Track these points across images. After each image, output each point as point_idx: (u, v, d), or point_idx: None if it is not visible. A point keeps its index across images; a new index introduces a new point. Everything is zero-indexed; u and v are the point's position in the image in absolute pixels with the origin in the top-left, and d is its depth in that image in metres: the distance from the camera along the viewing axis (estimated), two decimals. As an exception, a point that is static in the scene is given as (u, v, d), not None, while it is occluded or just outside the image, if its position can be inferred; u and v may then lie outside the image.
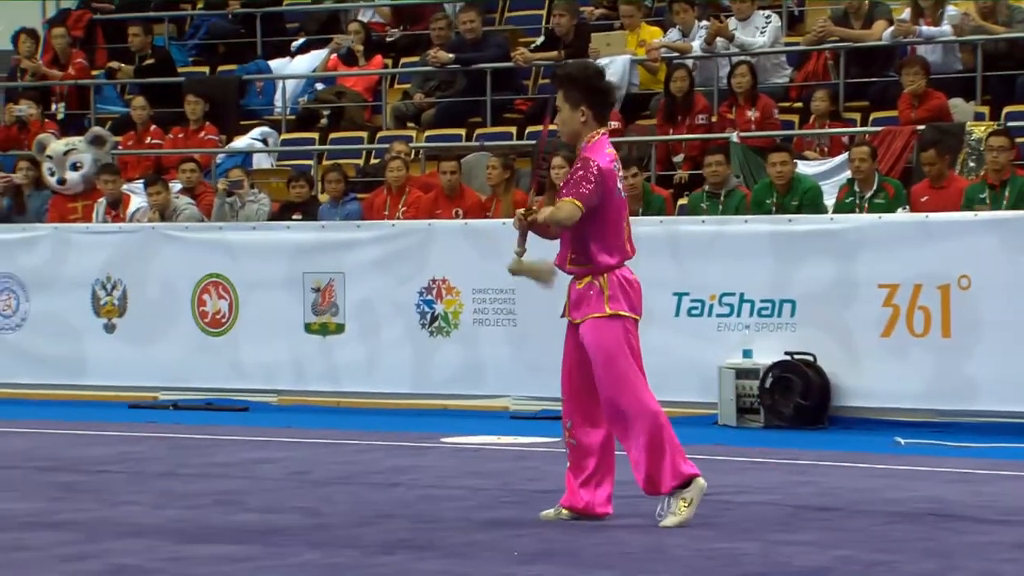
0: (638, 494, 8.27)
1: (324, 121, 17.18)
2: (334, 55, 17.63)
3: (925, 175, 12.42)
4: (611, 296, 7.20)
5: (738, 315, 12.13)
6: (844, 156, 13.33)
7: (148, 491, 8.58)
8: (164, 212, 14.57)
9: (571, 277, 7.36)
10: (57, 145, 15.66)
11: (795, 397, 11.70)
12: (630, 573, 6.13)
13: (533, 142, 14.99)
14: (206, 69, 18.85)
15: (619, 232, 7.27)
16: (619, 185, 7.27)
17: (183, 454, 10.36)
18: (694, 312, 12.25)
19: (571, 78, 7.25)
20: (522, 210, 7.38)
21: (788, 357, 11.87)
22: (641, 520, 7.41)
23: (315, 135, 17.09)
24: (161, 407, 13.58)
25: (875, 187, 12.60)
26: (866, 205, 12.48)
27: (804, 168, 13.47)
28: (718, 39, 15.24)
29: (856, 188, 12.64)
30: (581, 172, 7.14)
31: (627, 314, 7.25)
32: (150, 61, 18.04)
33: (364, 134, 16.94)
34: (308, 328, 13.57)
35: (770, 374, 11.81)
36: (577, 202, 7.11)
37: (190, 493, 8.47)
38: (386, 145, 15.42)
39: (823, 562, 6.33)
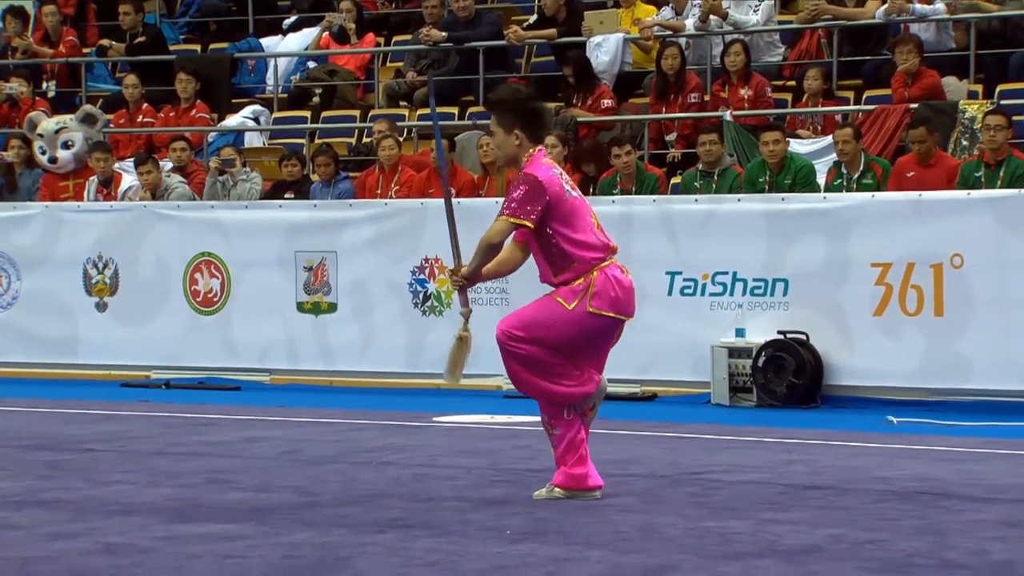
0: (630, 473, 8.29)
1: (316, 99, 17.15)
2: (326, 33, 17.60)
3: (913, 152, 12.41)
4: (595, 294, 7.21)
5: (731, 294, 12.14)
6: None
7: (139, 470, 8.58)
8: (155, 191, 14.55)
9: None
10: (48, 123, 15.63)
11: (788, 376, 11.72)
12: (622, 552, 6.15)
13: (526, 121, 14.95)
14: (198, 47, 18.82)
15: (587, 227, 7.29)
16: (568, 187, 7.33)
17: (175, 433, 10.36)
18: (687, 291, 12.26)
19: (503, 103, 7.41)
20: (448, 269, 7.55)
21: (781, 336, 11.88)
22: (633, 500, 7.43)
23: (307, 113, 17.06)
24: (153, 386, 13.58)
25: (862, 168, 12.59)
26: (854, 187, 12.47)
27: (797, 147, 13.47)
28: (711, 17, 15.22)
29: (843, 170, 12.63)
30: (513, 190, 7.26)
31: (609, 314, 7.23)
32: (141, 39, 17.99)
33: (356, 113, 16.92)
34: (300, 307, 13.57)
35: (763, 353, 11.82)
36: (509, 218, 7.21)
37: (182, 472, 8.48)
38: (380, 124, 15.40)
39: (814, 540, 6.35)
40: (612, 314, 7.26)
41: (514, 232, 7.31)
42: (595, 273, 7.25)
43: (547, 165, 7.32)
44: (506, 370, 7.36)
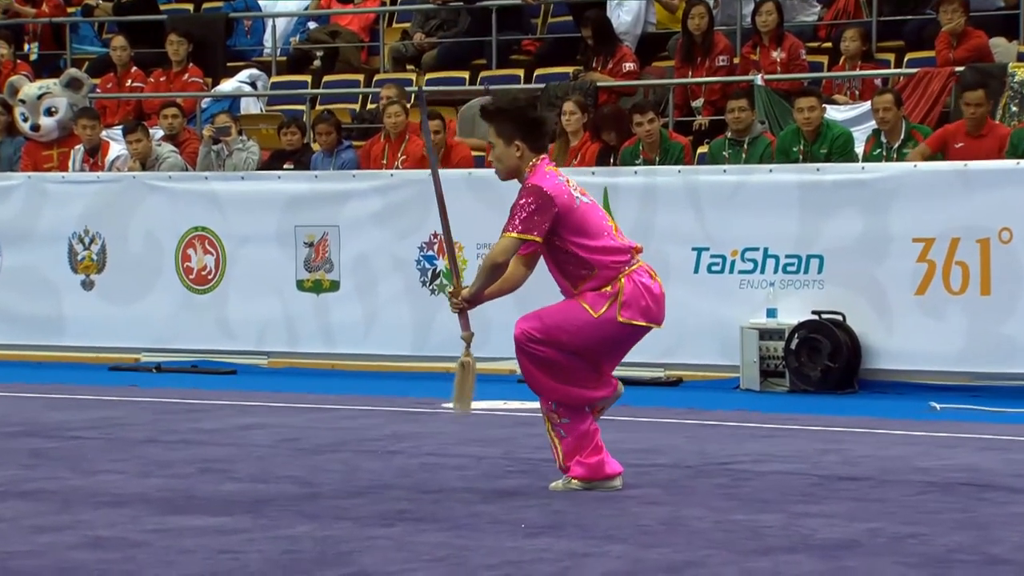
0: (653, 463, 8.32)
1: (317, 63, 17.17)
2: (328, -9, 17.62)
3: (966, 117, 12.34)
4: (625, 303, 7.27)
5: (762, 272, 12.14)
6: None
7: (129, 459, 8.62)
8: (145, 161, 14.58)
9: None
10: (30, 88, 15.66)
11: (823, 359, 11.73)
12: (644, 547, 6.17)
13: (542, 86, 14.98)
14: (190, 7, 18.84)
15: (603, 232, 7.34)
16: (576, 194, 7.38)
17: (167, 420, 10.40)
18: (715, 268, 12.27)
19: (502, 113, 7.45)
20: (448, 291, 7.62)
21: (815, 317, 11.89)
22: (656, 491, 7.46)
23: (307, 78, 17.09)
24: (143, 370, 13.63)
25: (903, 136, 12.57)
26: (895, 156, 12.46)
27: (834, 113, 13.46)
28: (742, -26, 15.22)
29: (883, 139, 12.62)
30: (517, 203, 7.30)
31: (640, 323, 7.31)
32: (130, -3, 18.04)
33: (360, 77, 16.94)
34: (300, 286, 13.60)
35: (796, 335, 11.83)
36: (514, 234, 7.25)
37: (174, 461, 8.52)
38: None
39: (850, 535, 6.37)
40: (643, 323, 7.35)
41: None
42: (623, 280, 7.30)
43: (551, 174, 7.36)
44: (519, 367, 7.41)
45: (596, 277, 7.33)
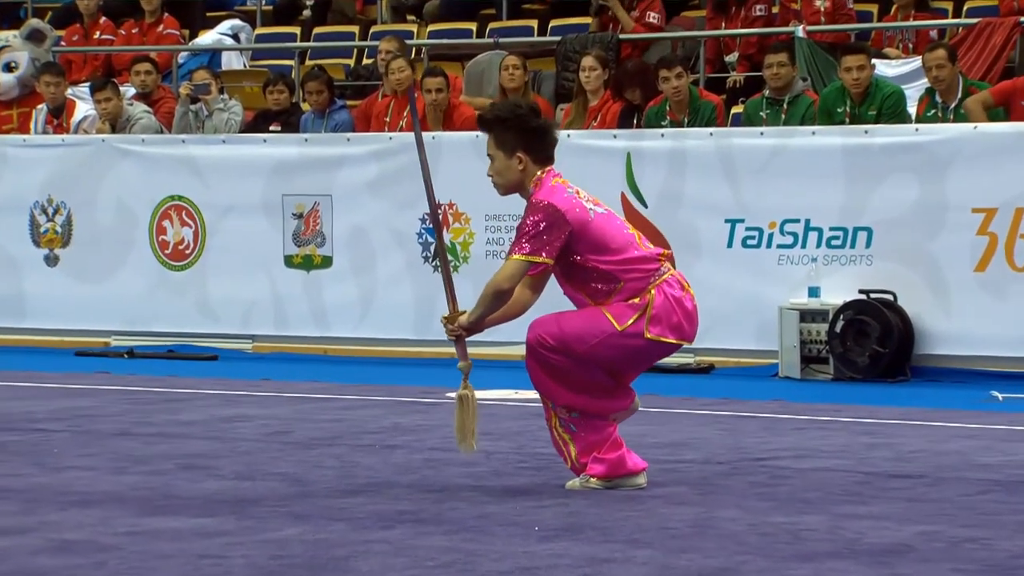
0: (682, 459, 8.33)
1: (307, 13, 17.16)
2: (319, -67, 17.61)
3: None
4: (655, 317, 7.27)
5: (803, 246, 12.15)
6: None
7: (100, 453, 8.65)
8: (115, 122, 14.60)
9: None
10: (-12, 42, 15.68)
11: (871, 344, 11.74)
12: (672, 552, 6.19)
13: (558, 38, 14.97)
14: (165, -50, 18.81)
15: (627, 243, 7.32)
16: (590, 206, 7.36)
17: (141, 411, 10.43)
18: (750, 243, 12.27)
19: (501, 122, 7.43)
20: (443, 316, 7.63)
21: (863, 296, 11.89)
22: (685, 490, 7.47)
23: (296, 30, 17.08)
24: (114, 355, 13.66)
25: (960, 95, 12.54)
26: (951, 118, 12.43)
27: (884, 69, 13.43)
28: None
29: (937, 98, 12.59)
30: (524, 222, 7.29)
31: (670, 340, 7.33)
32: (98, -61, 18.02)
33: (355, 29, 16.94)
34: (289, 262, 13.62)
35: (841, 316, 11.84)
36: (522, 257, 7.24)
37: (150, 456, 8.54)
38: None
39: (902, 539, 6.38)
40: (673, 340, 7.36)
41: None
42: (652, 291, 7.30)
43: (560, 187, 7.35)
44: (527, 368, 7.41)
45: (623, 291, 7.31)
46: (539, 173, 7.40)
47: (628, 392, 7.53)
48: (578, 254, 7.30)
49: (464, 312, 7.57)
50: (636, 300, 7.31)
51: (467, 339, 7.62)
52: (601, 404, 7.42)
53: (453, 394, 7.72)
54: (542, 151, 7.43)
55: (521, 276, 7.35)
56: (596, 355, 7.30)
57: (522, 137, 7.38)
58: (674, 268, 7.49)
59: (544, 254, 7.25)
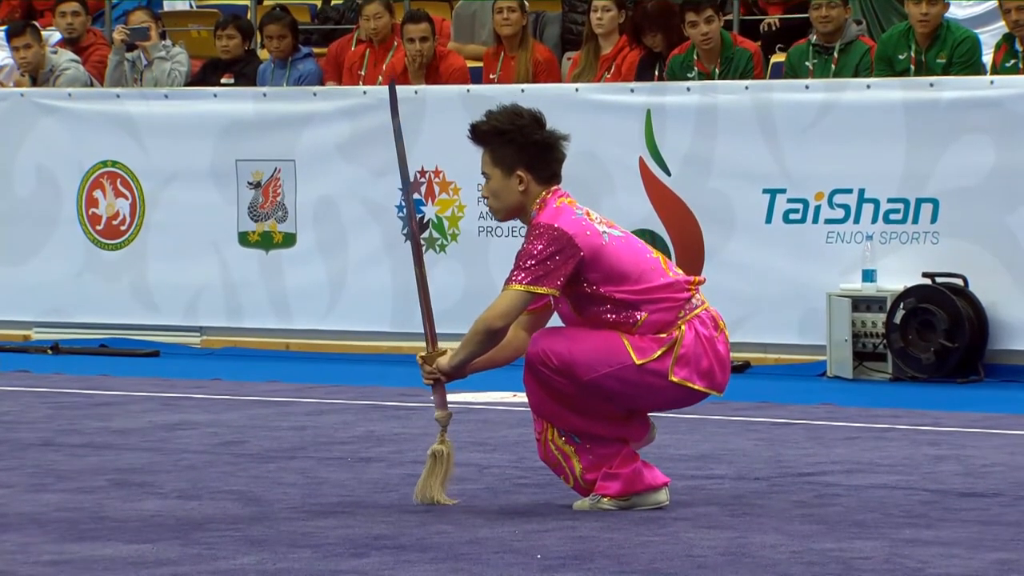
0: (711, 475, 8.34)
1: (265, -57, 17.14)
2: None
3: None
4: (682, 357, 7.26)
5: (856, 221, 12.16)
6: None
7: (17, 467, 8.65)
8: (36, 73, 14.59)
9: None
10: None
11: (937, 338, 11.75)
12: (699, 584, 6.21)
13: (564, -27, 14.97)
14: None
15: (649, 268, 7.31)
16: (602, 228, 7.34)
17: (68, 416, 10.43)
18: (793, 217, 12.28)
19: (499, 134, 7.42)
20: (419, 356, 7.62)
21: (927, 281, 11.91)
22: (715, 511, 7.48)
23: (252, -37, 17.05)
24: (36, 350, 13.67)
25: (1046, 42, 12.57)
26: (1033, 68, 12.47)
27: (955, 11, 13.44)
28: None
29: (1017, 47, 12.59)
30: (525, 249, 7.27)
31: (697, 387, 7.32)
32: None
33: (322, -38, 16.92)
34: (244, 240, 13.63)
35: (901, 305, 11.86)
36: (517, 286, 7.22)
37: (78, 471, 8.55)
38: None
39: (974, 569, 6.39)
40: (701, 388, 7.35)
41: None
42: (683, 327, 7.30)
43: (567, 208, 7.34)
44: (524, 385, 7.40)
45: (646, 324, 7.28)
46: (543, 194, 7.39)
47: (645, 421, 7.51)
48: (588, 286, 7.27)
49: (445, 352, 7.52)
50: (663, 335, 7.30)
51: (447, 384, 7.56)
52: (609, 432, 7.41)
53: (427, 449, 7.70)
54: (546, 168, 7.41)
55: (520, 311, 7.31)
56: (602, 387, 7.27)
57: (523, 153, 7.37)
58: (706, 301, 7.45)
59: (548, 284, 7.20)
